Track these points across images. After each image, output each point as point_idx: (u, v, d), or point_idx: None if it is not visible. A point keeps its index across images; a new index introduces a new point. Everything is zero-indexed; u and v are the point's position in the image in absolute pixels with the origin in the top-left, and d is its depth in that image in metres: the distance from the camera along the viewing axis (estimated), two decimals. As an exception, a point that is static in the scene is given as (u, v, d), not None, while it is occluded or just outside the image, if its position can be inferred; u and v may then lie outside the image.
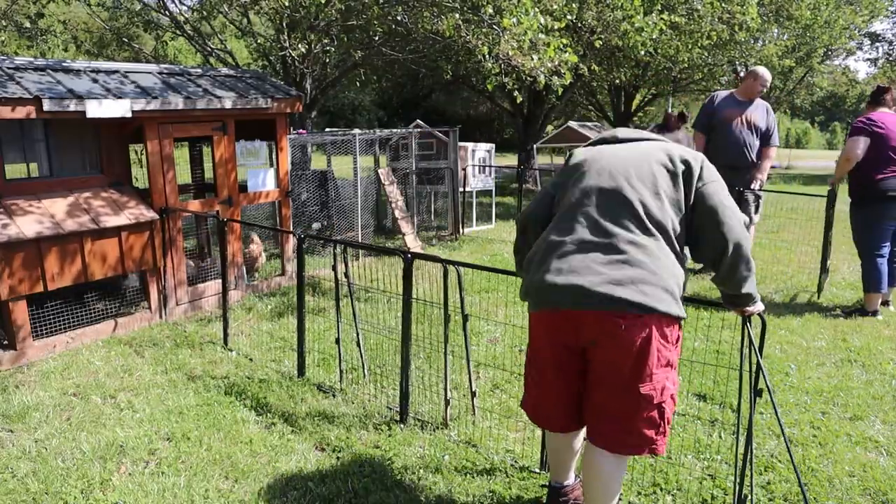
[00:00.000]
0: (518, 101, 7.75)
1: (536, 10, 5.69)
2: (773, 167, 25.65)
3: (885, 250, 4.85)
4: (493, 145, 10.05)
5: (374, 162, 8.27)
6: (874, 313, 4.86)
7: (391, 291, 4.91)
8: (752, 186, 5.59)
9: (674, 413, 2.06)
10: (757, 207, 5.73)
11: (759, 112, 5.60)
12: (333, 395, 3.54)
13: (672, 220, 2.00)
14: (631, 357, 1.91)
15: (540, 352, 2.13)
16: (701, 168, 2.06)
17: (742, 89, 5.65)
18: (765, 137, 5.60)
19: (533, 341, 2.17)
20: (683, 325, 2.10)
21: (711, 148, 5.58)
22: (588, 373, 2.04)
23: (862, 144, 4.73)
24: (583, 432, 2.28)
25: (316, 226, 7.50)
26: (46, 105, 4.05)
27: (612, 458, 2.03)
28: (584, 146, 2.31)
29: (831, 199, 5.18)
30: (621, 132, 2.26)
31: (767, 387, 2.22)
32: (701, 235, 2.02)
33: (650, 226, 1.96)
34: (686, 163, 2.06)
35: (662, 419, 1.97)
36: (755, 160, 5.62)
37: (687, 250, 2.12)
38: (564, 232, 2.03)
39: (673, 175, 2.04)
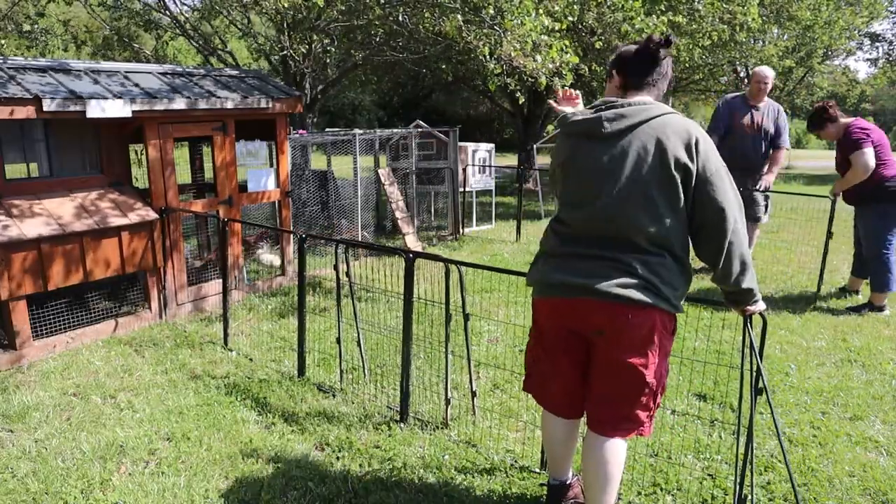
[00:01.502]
0: (519, 102, 7.75)
1: (539, 11, 5.69)
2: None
3: (892, 249, 4.90)
4: (494, 145, 10.05)
5: (374, 162, 8.27)
6: (881, 309, 4.93)
7: (392, 291, 4.92)
8: (758, 187, 5.61)
9: (662, 398, 2.15)
10: (766, 208, 5.74)
11: (769, 114, 5.62)
12: (333, 395, 3.54)
13: (675, 237, 1.98)
14: (636, 347, 2.00)
15: (547, 332, 2.20)
16: (703, 160, 1.94)
17: (750, 92, 5.68)
18: (774, 139, 5.62)
19: (538, 324, 2.24)
20: (684, 324, 2.11)
21: (722, 151, 5.58)
22: (593, 361, 2.11)
23: (872, 155, 4.80)
24: (580, 427, 2.31)
25: (345, 223, 7.46)
26: (47, 105, 4.05)
27: (610, 442, 2.10)
28: (568, 131, 2.12)
29: (833, 210, 5.20)
30: (605, 124, 2.00)
31: (765, 389, 2.22)
32: (698, 230, 2.00)
33: (653, 248, 1.98)
34: (688, 151, 1.92)
35: (654, 404, 2.09)
36: (765, 162, 5.65)
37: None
38: (573, 244, 2.08)
39: (671, 181, 1.93)
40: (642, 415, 2.08)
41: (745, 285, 2.04)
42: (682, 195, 1.94)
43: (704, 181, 1.93)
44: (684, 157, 1.91)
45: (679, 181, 1.92)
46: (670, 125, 1.96)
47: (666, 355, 2.08)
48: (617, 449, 2.11)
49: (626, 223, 1.96)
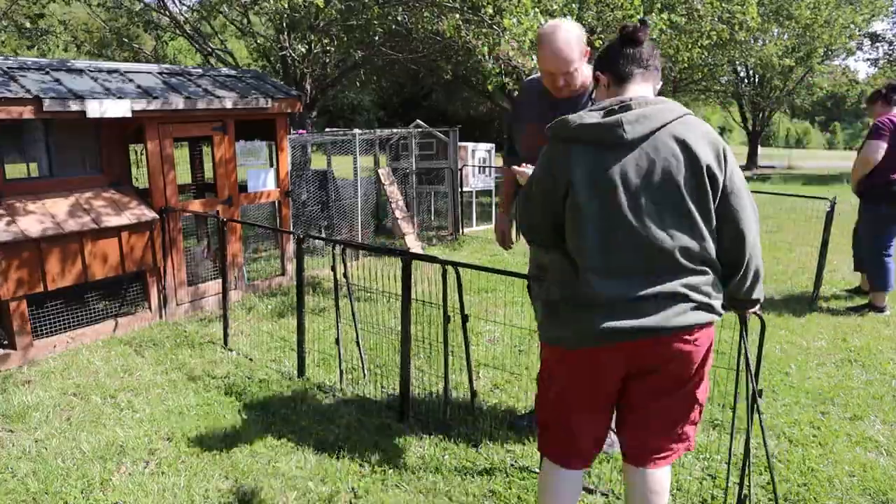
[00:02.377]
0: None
1: (537, 10, 5.69)
2: (772, 167, 25.56)
3: (892, 250, 4.88)
4: (493, 145, 10.05)
5: (374, 162, 8.27)
6: (882, 309, 4.92)
7: (391, 291, 4.91)
8: None
9: None
10: None
11: None
12: (333, 395, 3.54)
13: (713, 251, 1.81)
14: (696, 369, 1.86)
15: (584, 385, 1.90)
16: (731, 170, 1.79)
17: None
18: None
19: (568, 378, 1.91)
20: None
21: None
22: (637, 397, 1.90)
23: (882, 150, 4.70)
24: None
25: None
26: (47, 105, 4.05)
27: (663, 470, 1.96)
28: (570, 137, 1.80)
29: (832, 213, 5.15)
30: (627, 128, 1.73)
31: (754, 390, 2.22)
32: (719, 244, 1.83)
33: (696, 266, 1.78)
34: (717, 160, 1.76)
35: (700, 415, 1.96)
36: None
37: None
38: (606, 280, 1.77)
39: (703, 189, 1.75)
40: (690, 430, 1.94)
41: (755, 295, 1.97)
42: (712, 205, 1.76)
43: (730, 194, 1.78)
44: (714, 166, 1.74)
45: (709, 190, 1.75)
46: (696, 129, 1.77)
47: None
48: (668, 475, 1.98)
49: (664, 243, 1.73)
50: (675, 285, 1.76)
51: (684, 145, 1.73)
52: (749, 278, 1.90)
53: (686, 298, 1.77)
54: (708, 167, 1.73)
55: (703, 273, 1.80)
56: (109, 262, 4.45)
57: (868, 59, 23.76)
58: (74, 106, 4.19)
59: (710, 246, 1.79)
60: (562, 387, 1.93)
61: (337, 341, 3.68)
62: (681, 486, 2.65)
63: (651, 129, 1.73)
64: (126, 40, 9.68)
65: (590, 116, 1.78)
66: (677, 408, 1.90)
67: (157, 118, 4.72)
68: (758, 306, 2.11)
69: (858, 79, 26.24)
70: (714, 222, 1.78)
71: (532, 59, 5.60)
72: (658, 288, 1.76)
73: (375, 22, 7.27)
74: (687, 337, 1.79)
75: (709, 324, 1.83)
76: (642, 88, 1.87)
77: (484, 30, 5.81)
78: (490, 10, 5.73)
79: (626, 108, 1.75)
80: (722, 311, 1.88)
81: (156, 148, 4.77)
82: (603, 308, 1.77)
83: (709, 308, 1.81)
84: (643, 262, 1.76)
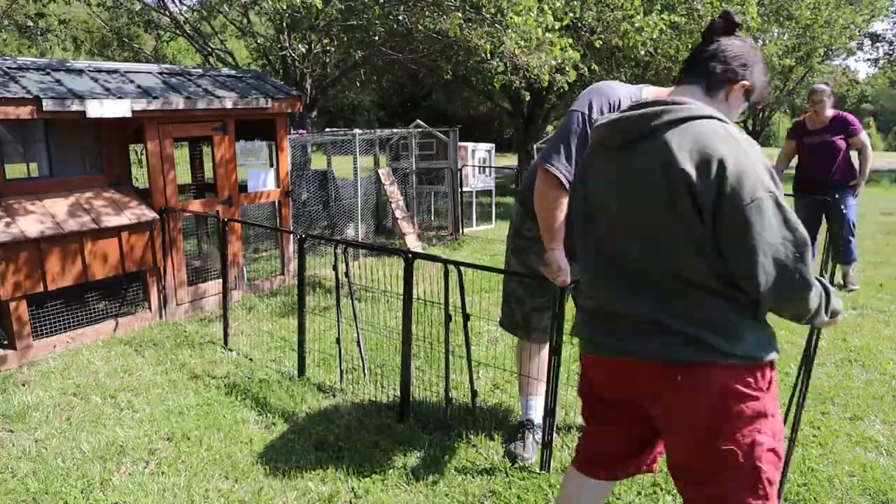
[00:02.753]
0: (525, 99, 7.75)
1: (543, 6, 5.70)
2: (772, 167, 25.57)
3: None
4: (493, 145, 10.05)
5: (374, 162, 8.26)
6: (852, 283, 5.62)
7: (392, 291, 4.91)
8: None
9: (778, 469, 1.64)
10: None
11: None
12: (333, 395, 3.54)
13: (708, 270, 1.52)
14: (700, 411, 1.57)
15: (596, 387, 1.81)
16: (727, 178, 1.44)
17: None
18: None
19: (586, 375, 1.85)
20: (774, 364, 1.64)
21: None
22: (660, 430, 1.75)
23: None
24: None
25: (350, 232, 7.42)
26: (47, 105, 4.05)
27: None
28: (591, 138, 1.75)
29: (830, 212, 5.25)
30: (621, 129, 1.61)
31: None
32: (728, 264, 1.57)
33: (686, 289, 1.54)
34: (707, 168, 1.46)
35: (761, 481, 1.58)
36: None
37: None
38: (594, 293, 1.70)
39: (681, 203, 1.49)
40: (749, 497, 1.57)
41: (818, 320, 1.62)
42: (698, 220, 1.48)
43: (732, 208, 1.45)
44: (698, 175, 1.46)
45: (690, 204, 1.47)
46: (693, 133, 1.50)
47: (762, 417, 1.58)
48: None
49: (645, 259, 1.57)
50: (655, 310, 1.56)
51: (668, 152, 1.50)
52: (783, 306, 1.54)
53: (667, 329, 1.54)
54: (688, 175, 1.47)
55: (696, 298, 1.53)
56: (109, 262, 4.45)
57: (868, 59, 23.81)
58: (74, 106, 4.19)
59: (700, 265, 1.51)
60: (583, 388, 1.89)
61: (338, 341, 3.68)
62: (681, 486, 2.65)
63: (647, 130, 1.56)
64: (126, 40, 9.69)
65: (605, 117, 1.70)
66: (695, 458, 1.62)
67: (157, 118, 4.72)
68: (839, 316, 1.70)
69: (859, 79, 26.26)
70: (704, 239, 1.50)
71: (539, 57, 5.60)
72: (630, 302, 1.60)
73: (376, 22, 7.27)
74: (675, 369, 1.55)
75: (701, 364, 1.53)
76: (686, 89, 1.68)
77: (486, 28, 5.82)
78: (492, 10, 5.74)
79: (632, 107, 1.64)
80: (733, 352, 1.52)
81: (156, 148, 4.77)
82: (589, 317, 1.73)
83: (702, 345, 1.52)
84: (621, 275, 1.62)
